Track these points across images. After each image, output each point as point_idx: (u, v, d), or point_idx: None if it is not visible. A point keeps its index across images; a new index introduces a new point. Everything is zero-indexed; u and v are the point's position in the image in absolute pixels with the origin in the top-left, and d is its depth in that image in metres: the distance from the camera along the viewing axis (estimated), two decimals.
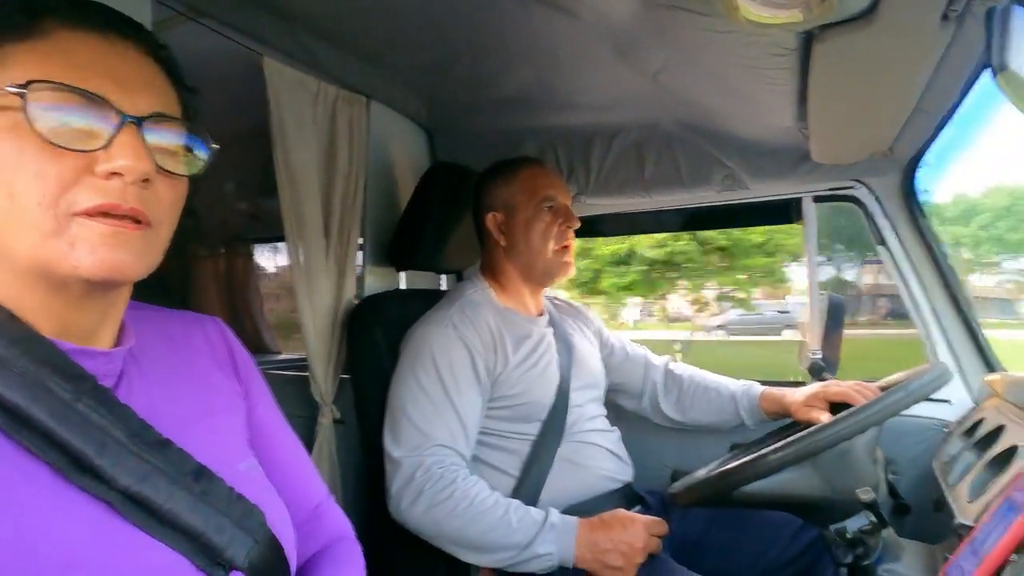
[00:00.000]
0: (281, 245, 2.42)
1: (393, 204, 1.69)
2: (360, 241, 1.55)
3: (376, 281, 1.63)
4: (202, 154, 0.59)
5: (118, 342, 0.61)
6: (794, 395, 1.33)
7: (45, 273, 0.51)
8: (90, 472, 0.51)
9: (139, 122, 0.52)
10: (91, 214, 0.50)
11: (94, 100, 0.50)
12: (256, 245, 2.61)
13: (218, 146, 0.60)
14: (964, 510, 0.88)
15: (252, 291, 2.56)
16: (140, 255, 0.53)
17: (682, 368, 1.58)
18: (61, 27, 0.51)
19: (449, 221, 1.54)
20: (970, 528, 0.76)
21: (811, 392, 1.29)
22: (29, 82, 0.48)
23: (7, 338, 0.51)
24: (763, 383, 1.61)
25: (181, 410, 0.63)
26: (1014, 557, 0.64)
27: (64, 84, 0.49)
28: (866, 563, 0.94)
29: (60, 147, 0.49)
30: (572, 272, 1.41)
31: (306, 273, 1.39)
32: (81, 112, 0.50)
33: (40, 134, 0.48)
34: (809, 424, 1.21)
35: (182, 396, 0.65)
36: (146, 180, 0.53)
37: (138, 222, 0.53)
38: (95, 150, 0.50)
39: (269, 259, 2.74)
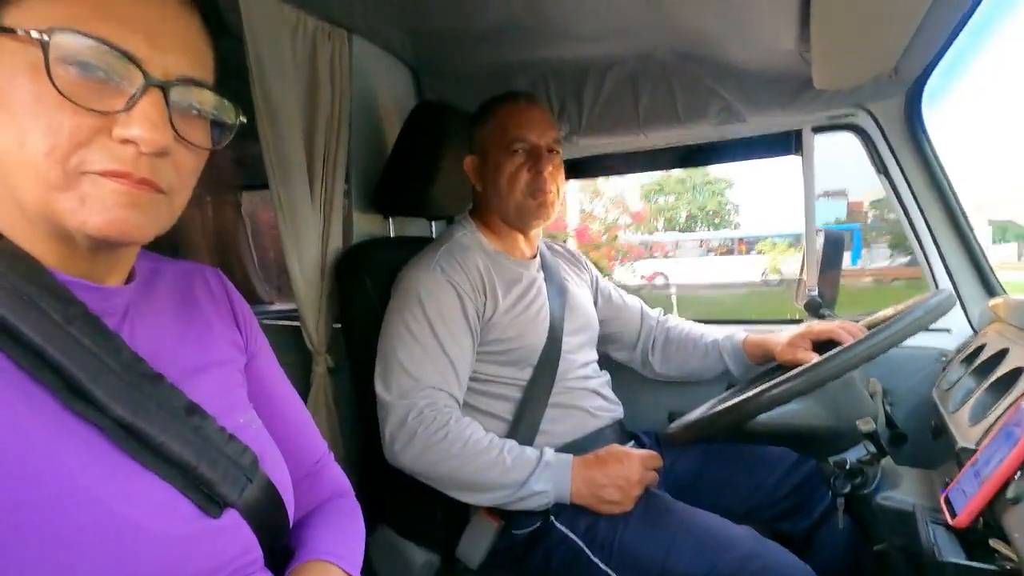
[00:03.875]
0: None
1: (379, 147, 1.63)
2: (346, 187, 1.51)
3: (364, 228, 1.58)
4: (228, 126, 0.56)
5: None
6: (777, 338, 1.32)
7: (52, 223, 0.50)
8: (85, 398, 0.50)
9: (165, 88, 0.50)
10: (102, 175, 0.48)
11: (122, 57, 0.47)
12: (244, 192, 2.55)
13: (245, 119, 0.57)
14: (965, 434, 0.87)
15: (241, 240, 2.51)
16: (151, 219, 0.52)
17: (669, 319, 1.58)
18: None
19: (436, 164, 1.49)
20: (972, 452, 0.75)
21: (795, 333, 1.28)
22: (54, 27, 0.45)
23: None
24: (761, 322, 1.60)
25: (182, 359, 0.62)
26: (1017, 476, 0.63)
27: (91, 35, 0.46)
28: (864, 492, 0.94)
29: (78, 104, 0.46)
30: (551, 216, 1.34)
31: (291, 220, 1.34)
32: (106, 68, 0.48)
33: (57, 88, 0.45)
34: (795, 365, 1.19)
35: (183, 345, 0.64)
36: (163, 152, 0.50)
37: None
38: (114, 112, 0.48)
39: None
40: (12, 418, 0.47)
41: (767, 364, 1.38)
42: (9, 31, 0.46)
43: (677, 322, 1.56)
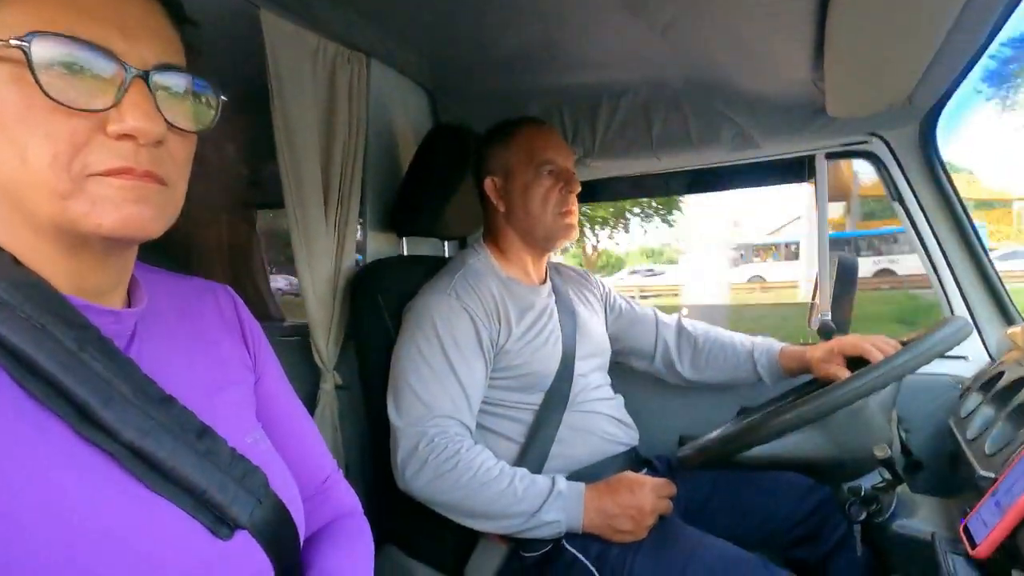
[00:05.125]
0: None
1: (394, 168, 1.65)
2: (360, 206, 1.52)
3: (378, 247, 1.60)
4: (211, 106, 0.56)
5: (129, 304, 0.60)
6: (814, 352, 1.31)
7: (67, 232, 0.50)
8: (95, 424, 0.50)
9: (147, 76, 0.50)
10: (107, 175, 0.49)
11: (101, 53, 0.48)
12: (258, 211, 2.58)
13: (226, 98, 0.57)
14: (985, 463, 0.86)
15: (255, 257, 2.54)
16: (159, 211, 0.52)
17: (695, 325, 1.56)
18: None
19: (451, 186, 1.51)
20: (992, 480, 0.74)
21: (827, 348, 1.27)
22: (31, 33, 0.45)
23: (9, 282, 0.50)
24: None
25: (191, 379, 0.62)
26: None
27: (69, 36, 0.46)
28: (880, 520, 0.93)
29: (68, 107, 0.47)
30: (575, 236, 1.37)
31: (305, 238, 1.36)
32: (88, 66, 0.47)
33: (47, 93, 0.46)
34: (828, 381, 1.19)
35: (192, 365, 0.64)
36: (159, 141, 0.51)
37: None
38: (105, 109, 0.48)
39: None
40: (27, 450, 0.47)
41: (802, 377, 1.38)
42: None
43: (705, 328, 1.55)
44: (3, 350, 0.48)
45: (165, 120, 0.51)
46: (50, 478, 0.47)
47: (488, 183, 1.37)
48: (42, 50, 0.45)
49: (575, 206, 1.35)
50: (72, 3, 0.48)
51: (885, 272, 14.14)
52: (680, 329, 1.55)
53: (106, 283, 0.57)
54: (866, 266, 14.12)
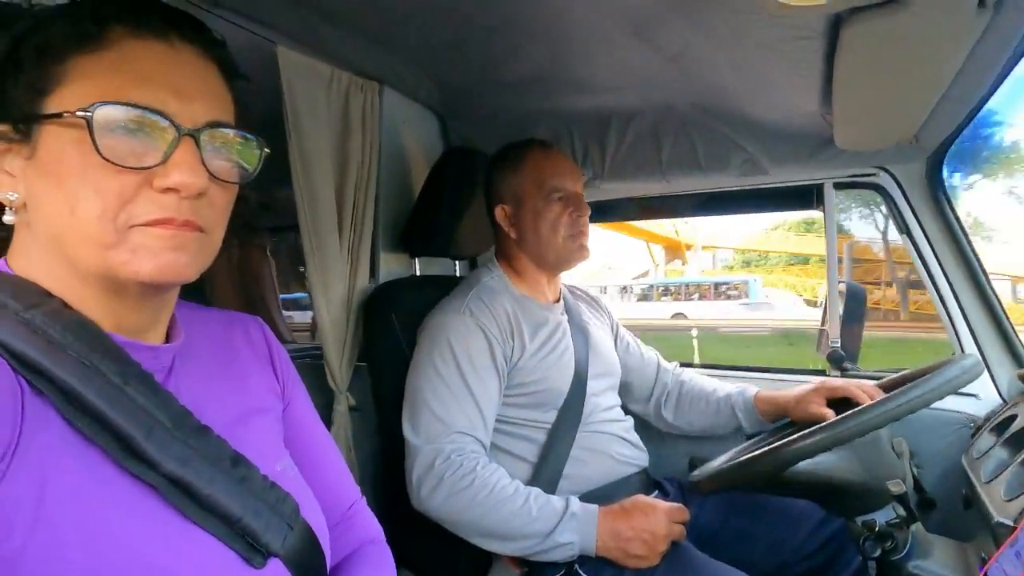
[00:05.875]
0: None
1: (406, 191, 1.67)
2: (373, 228, 1.54)
3: (390, 268, 1.61)
4: (254, 158, 0.60)
5: (167, 339, 0.63)
6: (787, 395, 1.33)
7: (107, 278, 0.53)
8: (137, 456, 0.52)
9: (196, 135, 0.53)
10: (149, 225, 0.52)
11: (154, 115, 0.52)
12: (269, 235, 2.59)
13: (268, 150, 0.61)
14: (1001, 509, 0.86)
15: (266, 280, 2.55)
16: (195, 257, 0.55)
17: (683, 373, 1.58)
18: (126, 35, 0.53)
19: (463, 207, 1.53)
20: (1010, 528, 0.74)
21: (807, 390, 1.29)
22: (96, 103, 0.49)
23: (61, 324, 0.52)
24: (781, 371, 1.59)
25: (222, 409, 0.64)
26: None
27: (127, 103, 0.50)
28: (896, 558, 0.93)
29: (121, 166, 0.50)
30: (588, 256, 1.39)
31: (320, 261, 1.37)
32: (141, 129, 0.51)
33: (102, 155, 0.49)
34: (809, 423, 1.19)
35: (224, 396, 0.67)
36: (201, 193, 0.54)
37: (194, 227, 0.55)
38: (153, 167, 0.52)
39: None
40: (70, 485, 0.48)
41: (779, 421, 1.38)
42: (56, 116, 0.50)
43: (691, 376, 1.56)
44: (53, 387, 0.50)
45: (208, 172, 0.54)
46: (93, 512, 0.49)
47: (499, 211, 1.38)
48: (103, 117, 0.50)
49: (586, 227, 1.37)
50: (132, 71, 0.52)
51: (679, 315, 19.43)
52: (673, 375, 1.58)
53: (144, 323, 0.59)
54: (667, 309, 20.06)
